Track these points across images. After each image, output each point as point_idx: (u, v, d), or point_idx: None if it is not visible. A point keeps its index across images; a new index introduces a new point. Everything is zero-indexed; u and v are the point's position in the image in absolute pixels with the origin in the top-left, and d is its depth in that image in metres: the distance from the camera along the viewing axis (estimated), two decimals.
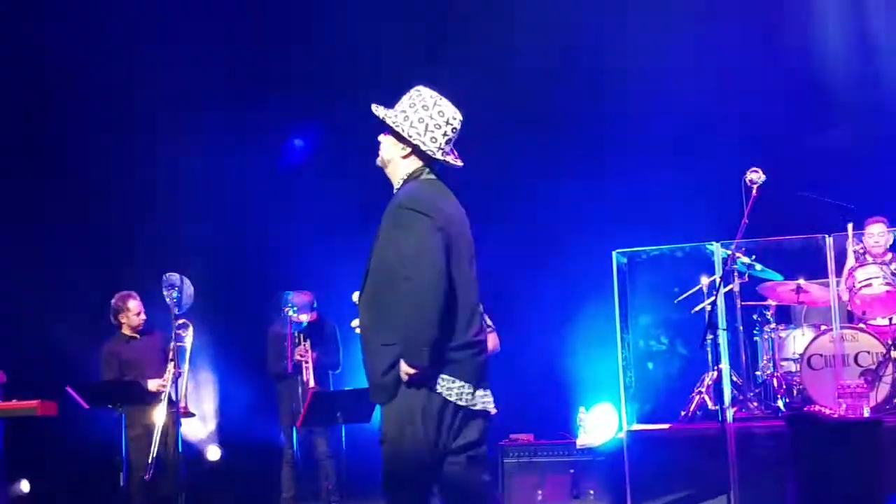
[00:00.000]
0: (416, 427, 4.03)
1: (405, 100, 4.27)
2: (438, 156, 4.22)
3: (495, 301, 8.94)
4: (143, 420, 7.78)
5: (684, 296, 8.54)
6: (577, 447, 8.12)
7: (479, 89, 9.44)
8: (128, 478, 7.51)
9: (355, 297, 4.31)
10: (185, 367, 7.91)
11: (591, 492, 7.89)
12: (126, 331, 8.12)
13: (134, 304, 8.09)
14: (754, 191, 6.95)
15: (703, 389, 8.07)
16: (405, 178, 4.27)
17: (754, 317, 8.38)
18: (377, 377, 4.10)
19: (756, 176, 6.97)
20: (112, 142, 9.51)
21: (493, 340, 8.31)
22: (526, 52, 9.52)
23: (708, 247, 8.19)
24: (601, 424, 8.37)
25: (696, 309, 8.37)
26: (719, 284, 7.38)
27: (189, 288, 7.93)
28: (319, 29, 9.65)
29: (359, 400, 6.77)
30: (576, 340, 9.41)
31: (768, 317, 8.33)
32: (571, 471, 7.96)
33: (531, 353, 9.23)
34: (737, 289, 8.25)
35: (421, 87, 4.28)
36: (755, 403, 8.04)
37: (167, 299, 7.80)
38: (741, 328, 8.30)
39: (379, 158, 4.35)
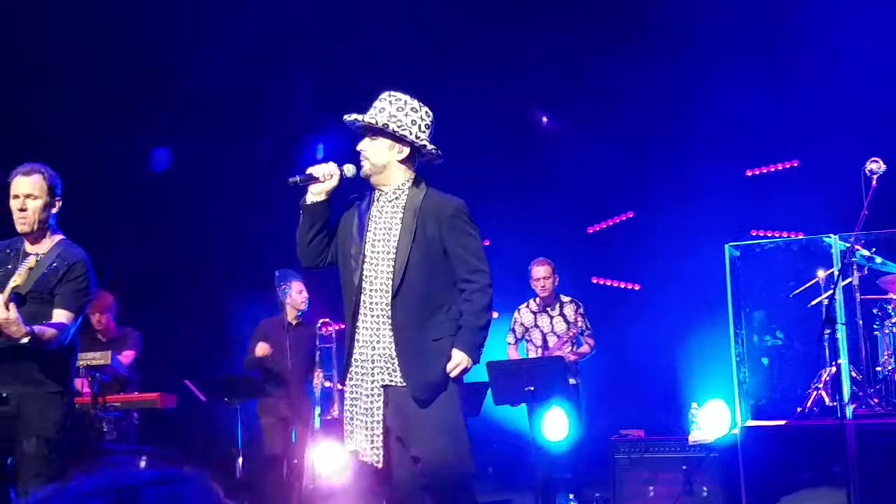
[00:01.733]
0: (463, 420, 4.25)
1: (386, 105, 4.32)
2: (434, 151, 4.35)
3: (603, 295, 8.93)
4: (277, 412, 7.76)
5: (801, 289, 8.28)
6: (690, 443, 7.94)
7: (586, 81, 9.46)
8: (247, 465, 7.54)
9: (349, 169, 4.36)
10: (334, 372, 7.85)
11: (705, 488, 7.70)
12: (289, 314, 7.95)
13: (296, 284, 7.95)
14: (874, 181, 6.69)
15: (821, 385, 7.82)
16: (408, 181, 4.35)
17: (874, 311, 8.08)
18: (436, 374, 4.19)
19: (876, 166, 6.71)
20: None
21: (590, 343, 8.31)
22: (648, 40, 9.35)
23: (825, 239, 7.94)
24: (714, 420, 8.17)
25: (814, 303, 8.11)
26: (838, 278, 7.13)
27: (298, 283, 7.97)
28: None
29: (471, 394, 6.62)
30: (688, 335, 9.19)
31: (889, 311, 8.03)
32: (684, 467, 7.78)
33: (642, 347, 9.05)
34: (856, 282, 7.96)
35: (393, 92, 4.34)
36: (875, 400, 7.77)
37: (279, 295, 7.88)
38: (860, 322, 8.01)
39: (368, 166, 4.35)
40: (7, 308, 4.31)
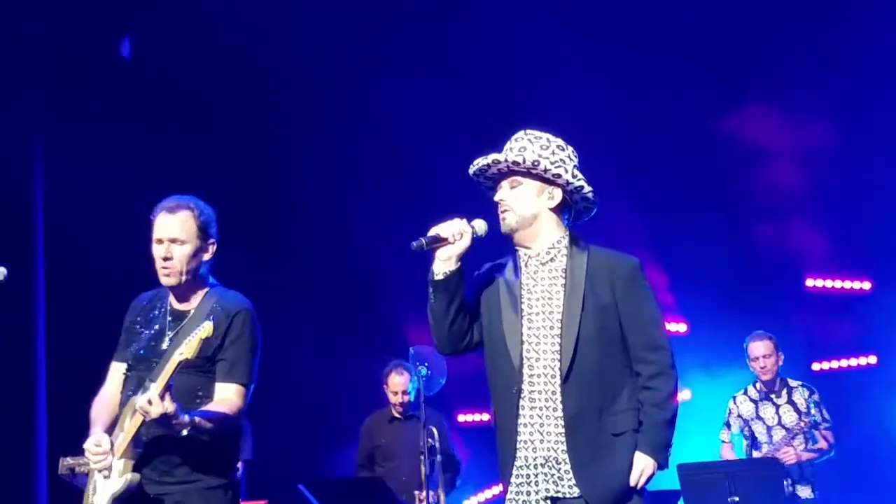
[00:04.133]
0: None
1: (527, 144, 3.77)
2: (591, 196, 3.82)
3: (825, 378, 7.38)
4: None
5: None
6: None
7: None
8: None
9: (481, 226, 3.76)
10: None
11: None
12: (392, 409, 7.12)
13: (395, 381, 7.00)
14: None
15: None
16: (563, 237, 3.81)
17: None
18: (621, 479, 3.64)
19: None
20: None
21: (828, 439, 7.04)
22: None
23: None
24: None
25: None
26: None
27: (442, 364, 6.83)
28: None
29: None
30: None
31: None
32: None
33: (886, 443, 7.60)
34: None
35: (530, 130, 3.82)
36: None
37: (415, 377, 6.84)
38: None
39: (514, 219, 3.77)
40: (163, 399, 3.61)
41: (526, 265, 3.80)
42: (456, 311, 3.75)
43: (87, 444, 3.85)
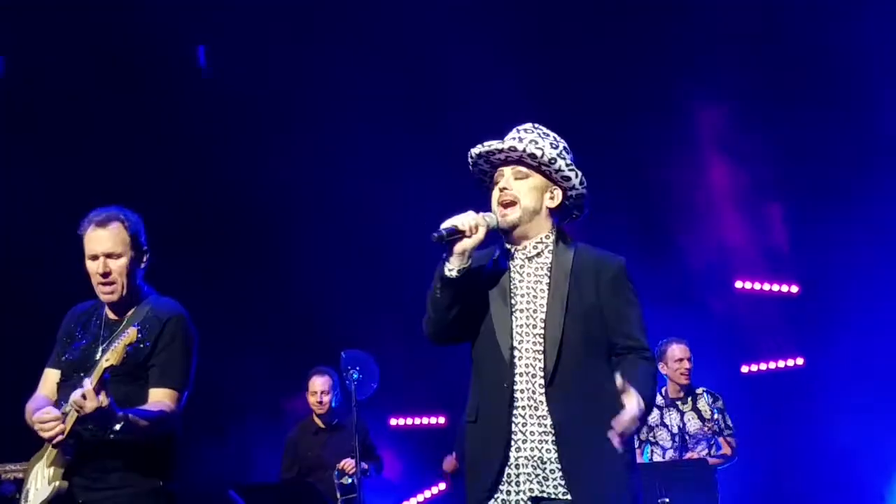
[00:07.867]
0: None
1: (537, 138, 3.58)
2: (582, 205, 3.69)
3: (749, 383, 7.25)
4: None
5: None
6: None
7: None
8: None
9: (493, 219, 3.55)
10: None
11: None
12: (316, 418, 7.04)
13: (315, 381, 6.94)
14: None
15: None
16: (550, 234, 3.63)
17: None
18: (615, 483, 3.49)
19: None
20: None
21: (732, 445, 7.02)
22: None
23: None
24: None
25: None
26: None
27: (374, 368, 6.82)
28: None
29: None
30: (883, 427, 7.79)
31: None
32: None
33: (811, 448, 7.72)
34: None
35: (537, 124, 3.65)
36: None
37: (346, 381, 6.69)
38: None
39: (518, 214, 3.56)
40: (97, 393, 3.58)
41: (512, 259, 3.65)
42: (460, 306, 3.55)
43: (36, 417, 3.75)
